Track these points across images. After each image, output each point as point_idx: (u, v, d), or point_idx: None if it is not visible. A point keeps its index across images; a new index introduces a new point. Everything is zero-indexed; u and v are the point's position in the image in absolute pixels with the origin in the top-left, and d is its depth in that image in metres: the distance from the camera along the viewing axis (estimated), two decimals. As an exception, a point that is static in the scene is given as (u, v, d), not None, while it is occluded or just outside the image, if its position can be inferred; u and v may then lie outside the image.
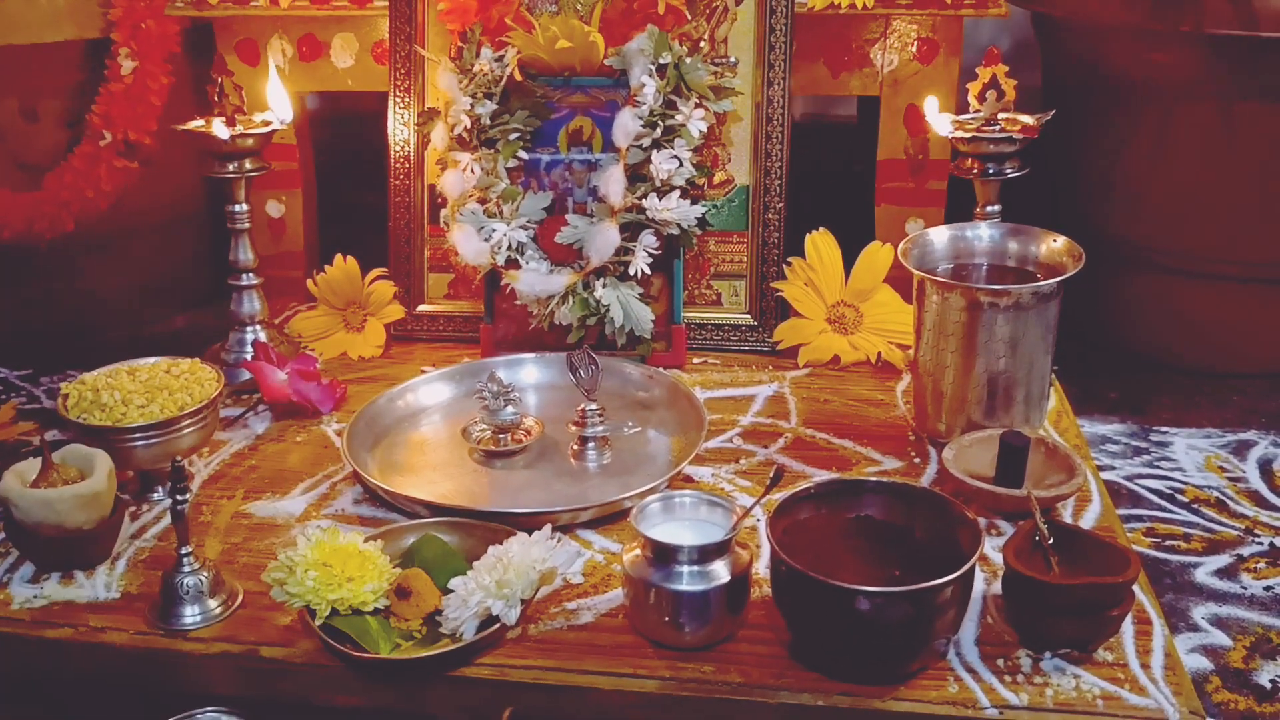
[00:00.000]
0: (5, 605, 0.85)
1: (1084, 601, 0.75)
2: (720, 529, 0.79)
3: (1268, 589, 1.02)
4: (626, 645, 0.78)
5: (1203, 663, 0.93)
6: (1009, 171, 1.10)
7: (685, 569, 0.75)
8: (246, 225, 1.16)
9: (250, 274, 1.18)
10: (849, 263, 1.18)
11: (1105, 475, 1.18)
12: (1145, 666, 0.76)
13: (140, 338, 1.48)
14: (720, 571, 0.76)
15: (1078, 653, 0.76)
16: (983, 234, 1.04)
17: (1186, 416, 1.33)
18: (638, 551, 0.78)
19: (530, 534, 0.81)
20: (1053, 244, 1.01)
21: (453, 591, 0.78)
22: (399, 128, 1.25)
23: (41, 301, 1.51)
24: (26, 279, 1.48)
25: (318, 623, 0.78)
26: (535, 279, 1.13)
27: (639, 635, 0.79)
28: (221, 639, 0.80)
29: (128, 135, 1.38)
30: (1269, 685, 0.91)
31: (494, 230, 1.14)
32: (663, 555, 0.76)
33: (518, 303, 1.16)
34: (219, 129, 1.10)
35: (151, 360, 1.03)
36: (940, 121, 1.11)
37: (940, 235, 1.04)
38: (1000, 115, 1.10)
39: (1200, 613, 1.00)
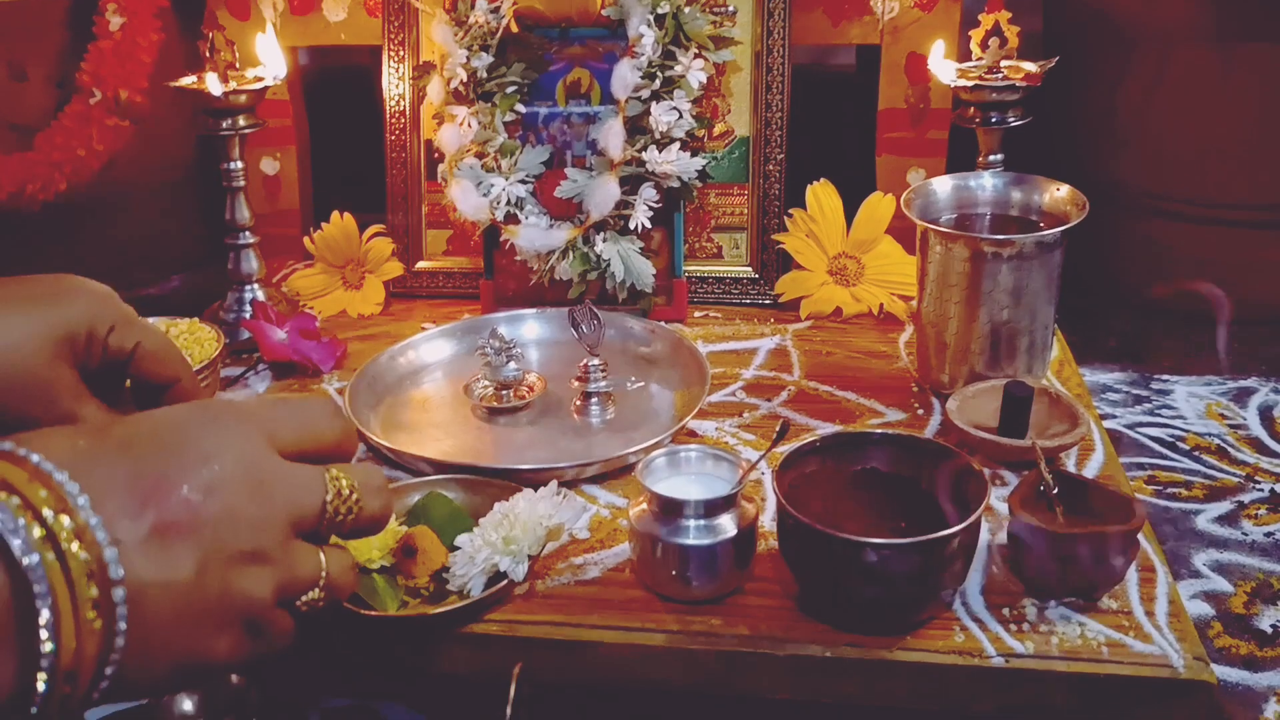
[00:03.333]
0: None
1: (1089, 550, 0.75)
2: (726, 483, 0.79)
3: (1268, 535, 1.03)
4: (634, 600, 0.79)
5: (1204, 609, 0.94)
6: (1012, 120, 1.09)
7: (692, 523, 0.76)
8: (242, 183, 1.15)
9: (247, 232, 1.17)
10: (850, 214, 1.17)
11: (1106, 424, 1.18)
12: (1149, 614, 0.76)
13: (136, 299, 1.47)
14: (727, 525, 0.76)
15: (1083, 601, 0.77)
16: (986, 183, 1.03)
17: (1187, 364, 1.33)
18: (644, 506, 0.78)
19: (536, 490, 0.81)
20: (1056, 193, 1.01)
21: (459, 549, 0.79)
22: (394, 82, 1.24)
23: (36, 264, 1.49)
24: (20, 242, 1.47)
25: (325, 581, 0.78)
26: (535, 234, 1.13)
27: (646, 590, 0.79)
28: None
29: (118, 93, 1.37)
30: (1270, 630, 0.92)
31: (492, 185, 1.13)
32: (669, 510, 0.76)
33: (517, 258, 1.15)
34: (212, 84, 1.09)
35: (149, 320, 1.02)
36: (944, 68, 1.10)
37: (943, 185, 1.03)
38: (1003, 63, 1.09)
39: (1201, 559, 1.00)
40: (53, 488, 0.42)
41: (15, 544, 0.40)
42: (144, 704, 0.77)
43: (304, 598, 0.51)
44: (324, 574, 0.51)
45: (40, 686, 0.41)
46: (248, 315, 1.15)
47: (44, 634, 0.41)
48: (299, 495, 0.49)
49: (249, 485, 0.47)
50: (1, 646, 0.41)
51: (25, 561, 0.40)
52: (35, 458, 0.43)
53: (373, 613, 0.76)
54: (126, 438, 0.46)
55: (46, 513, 0.41)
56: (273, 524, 0.48)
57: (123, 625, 0.43)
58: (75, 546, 0.41)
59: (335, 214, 1.24)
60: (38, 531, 0.41)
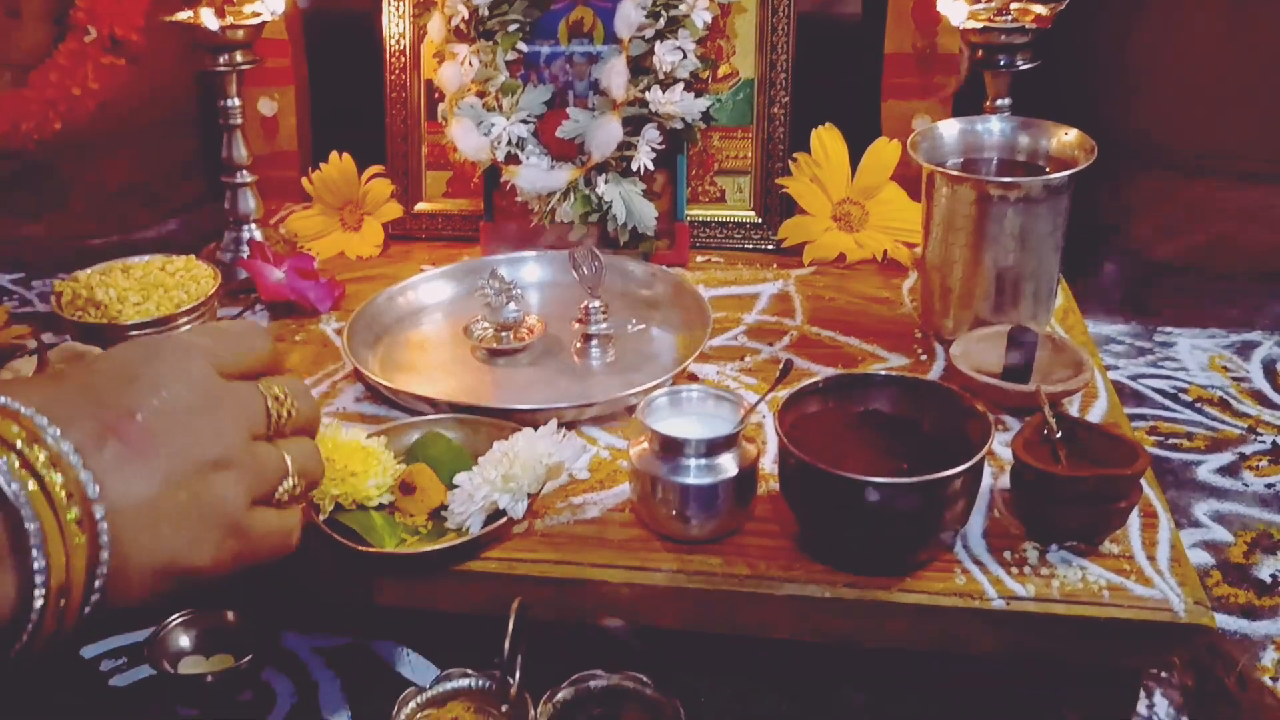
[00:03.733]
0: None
1: (1092, 494, 0.74)
2: (727, 423, 0.78)
3: (1269, 486, 1.03)
4: (634, 539, 0.78)
5: (1204, 558, 0.94)
6: (1020, 64, 1.07)
7: (693, 462, 0.75)
8: (239, 121, 1.14)
9: (244, 171, 1.15)
10: (855, 159, 1.16)
11: (1109, 375, 1.17)
12: (1151, 558, 0.76)
13: (133, 241, 1.46)
14: (728, 465, 0.75)
15: (1084, 545, 0.76)
16: (993, 127, 1.02)
17: (1190, 316, 1.32)
18: (645, 445, 0.77)
19: (535, 430, 0.80)
20: (1064, 137, 0.99)
21: (458, 487, 0.78)
22: (394, 20, 1.22)
23: (31, 204, 1.49)
24: (15, 182, 1.45)
25: (322, 518, 0.78)
26: (536, 175, 1.11)
27: (646, 529, 0.79)
28: (227, 534, 0.80)
29: (114, 31, 1.35)
30: (1269, 579, 0.92)
31: (493, 125, 1.12)
32: (670, 449, 0.75)
33: (518, 199, 1.14)
34: (208, 19, 1.07)
35: (146, 258, 1.01)
36: (954, 8, 1.08)
37: (950, 129, 1.02)
38: (1013, 4, 1.07)
39: (1202, 509, 1.00)
40: (23, 423, 0.47)
41: (2, 476, 0.45)
42: (142, 641, 0.77)
43: (280, 490, 0.56)
44: (289, 463, 0.56)
45: (37, 603, 0.45)
46: (245, 255, 1.14)
47: (34, 552, 0.45)
48: (243, 405, 0.55)
49: (197, 403, 0.52)
50: (1, 568, 0.45)
51: (10, 489, 0.45)
52: (2, 399, 0.47)
53: (371, 549, 0.76)
54: (85, 377, 0.51)
55: (21, 445, 0.46)
56: (226, 433, 0.53)
57: (105, 539, 0.47)
58: (52, 472, 0.46)
59: (334, 155, 1.22)
60: (16, 462, 0.45)
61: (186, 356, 0.54)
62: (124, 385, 0.51)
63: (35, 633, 0.46)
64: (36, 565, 0.45)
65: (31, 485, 0.45)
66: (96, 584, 0.47)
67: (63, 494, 0.46)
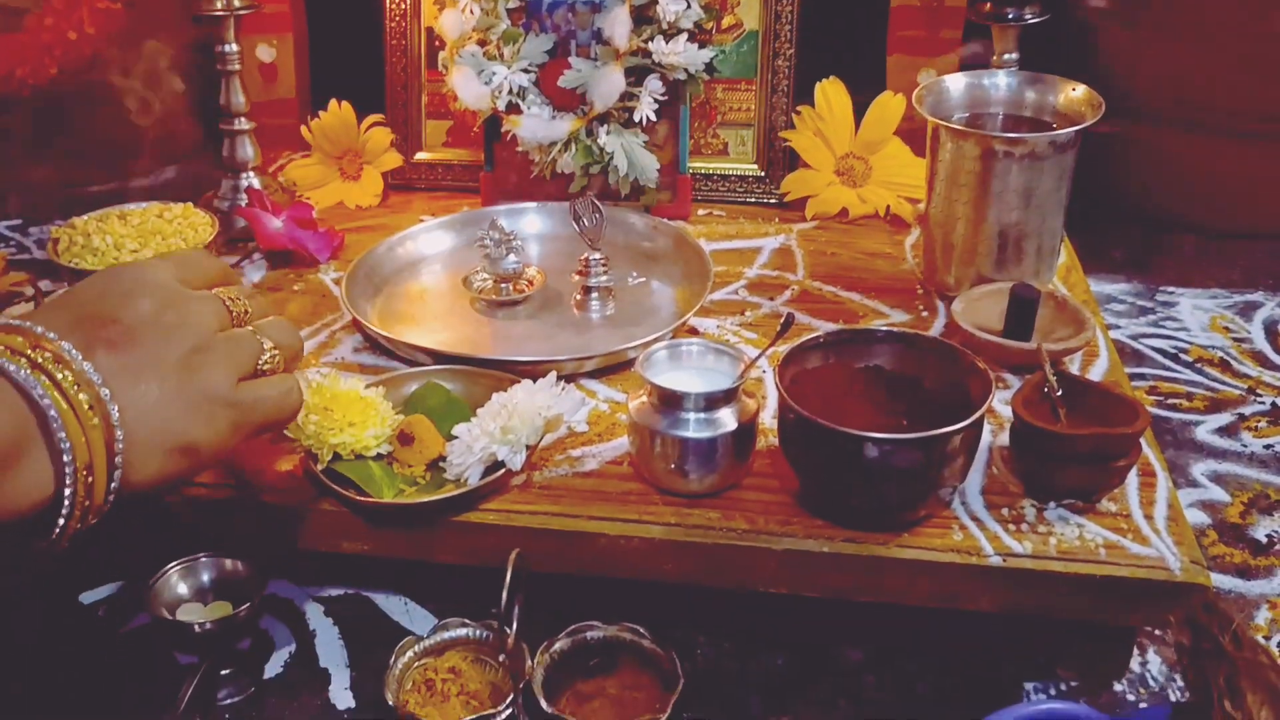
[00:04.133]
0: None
1: (1091, 452, 0.74)
2: (727, 377, 0.78)
3: (1267, 447, 1.03)
4: (632, 492, 0.78)
5: (1201, 517, 0.94)
6: (1029, 17, 1.06)
7: (692, 416, 0.75)
8: (237, 67, 1.12)
9: (242, 119, 1.14)
10: (859, 114, 1.15)
11: (1110, 334, 1.17)
12: (1148, 517, 0.76)
13: (129, 188, 1.45)
14: (727, 419, 0.75)
15: (1082, 503, 0.76)
16: (1000, 82, 1.01)
17: (1192, 276, 1.31)
18: (644, 399, 0.77)
19: (534, 382, 0.80)
20: (1072, 93, 0.98)
21: (456, 438, 0.78)
22: (394, -34, 1.20)
23: (27, 152, 1.47)
24: (10, 129, 1.44)
25: (320, 467, 0.77)
26: (537, 125, 1.10)
27: (645, 483, 0.79)
28: (224, 484, 0.80)
29: (108, -25, 1.33)
30: (1265, 539, 0.92)
31: (494, 73, 1.10)
32: (669, 402, 0.75)
33: (519, 150, 1.12)
34: (205, -38, 1.05)
35: (143, 205, 1.01)
36: (961, -39, 1.07)
37: (956, 83, 1.01)
38: (1022, -44, 1.06)
39: (1200, 469, 1.00)
40: (25, 334, 0.55)
41: (22, 375, 0.53)
42: (141, 588, 0.77)
43: (261, 361, 0.64)
44: (264, 340, 0.65)
45: (67, 481, 0.53)
46: (243, 203, 1.13)
47: (59, 435, 0.53)
48: (205, 302, 0.63)
49: (166, 306, 0.60)
50: (39, 452, 0.53)
51: (28, 384, 0.52)
52: (2, 320, 0.56)
53: (370, 499, 0.76)
54: (65, 300, 0.60)
55: (29, 352, 0.54)
56: (198, 325, 0.60)
57: (116, 418, 0.55)
58: (59, 368, 0.54)
59: (333, 103, 1.21)
60: (27, 365, 0.53)
61: (150, 271, 0.62)
62: (100, 301, 0.59)
63: (70, 510, 0.54)
64: (62, 445, 0.52)
65: (44, 379, 0.53)
66: (116, 460, 0.55)
67: (73, 385, 0.53)
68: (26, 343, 0.54)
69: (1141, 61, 1.38)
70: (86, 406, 0.54)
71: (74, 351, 0.54)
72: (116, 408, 0.55)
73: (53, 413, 0.52)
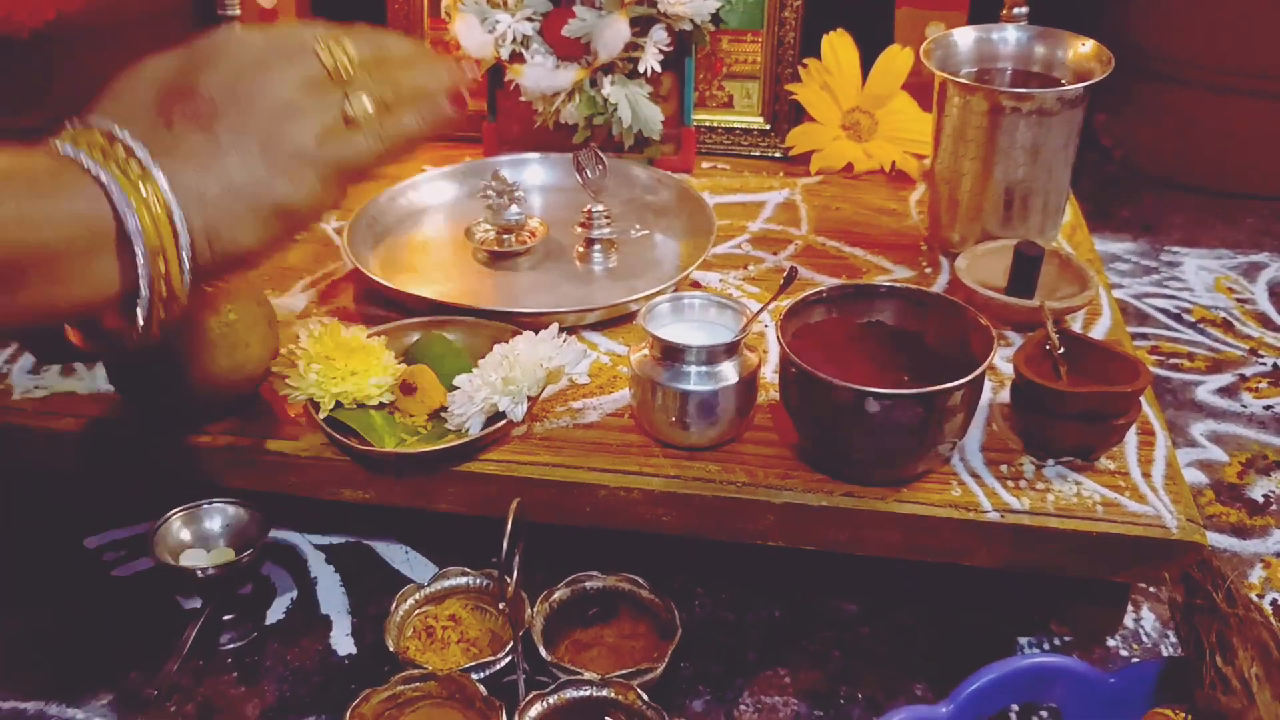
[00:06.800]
0: (6, 396, 0.84)
1: (1091, 409, 0.74)
2: (729, 330, 0.78)
3: (1267, 408, 1.03)
4: (633, 444, 0.78)
5: (1199, 477, 0.94)
6: (1040, -30, 1.04)
7: (693, 369, 0.75)
8: (237, 13, 1.11)
9: (243, 65, 1.13)
10: (866, 67, 1.14)
11: (1114, 293, 1.17)
12: (1146, 476, 0.76)
13: (131, 133, 1.44)
14: (728, 372, 0.75)
15: (1080, 461, 0.77)
16: (1009, 37, 1.00)
17: (1198, 236, 1.31)
18: (645, 351, 0.77)
19: (536, 333, 0.80)
20: (1081, 49, 0.97)
21: (458, 389, 0.78)
22: (397, -90, 1.19)
23: (26, 95, 1.46)
24: (9, 71, 1.43)
25: (321, 416, 0.78)
26: (540, 74, 1.09)
27: (645, 435, 0.79)
28: (227, 431, 0.80)
29: (109, -86, 1.31)
30: (1261, 499, 0.92)
31: (498, 21, 1.09)
32: (671, 355, 0.75)
33: (522, 99, 1.12)
34: (206, -96, 1.04)
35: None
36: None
37: (965, 37, 1.00)
38: (1035, -92, 1.04)
39: (1199, 429, 1.00)
40: (102, 131, 0.55)
41: (87, 163, 0.52)
42: (144, 534, 0.78)
43: (350, 112, 0.58)
44: (355, 96, 0.58)
45: (140, 261, 0.52)
46: (244, 150, 1.12)
47: (127, 217, 0.52)
48: (288, 63, 0.58)
49: (251, 68, 0.57)
50: (120, 241, 0.52)
51: (99, 174, 0.52)
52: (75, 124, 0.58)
53: (371, 448, 0.76)
54: (146, 77, 0.60)
55: (105, 145, 0.54)
56: (276, 90, 0.56)
57: (163, 184, 0.53)
58: (115, 148, 0.53)
59: (335, 49, 1.19)
60: (101, 158, 0.53)
61: (227, 34, 0.59)
62: (183, 64, 0.58)
63: (152, 294, 0.53)
64: (131, 226, 0.52)
65: (116, 172, 0.52)
66: (181, 241, 0.53)
67: (139, 177, 0.52)
68: (103, 138, 0.54)
69: (1151, 18, 1.37)
70: (139, 179, 0.53)
71: (136, 142, 0.54)
72: (163, 174, 0.53)
73: (121, 200, 0.52)
